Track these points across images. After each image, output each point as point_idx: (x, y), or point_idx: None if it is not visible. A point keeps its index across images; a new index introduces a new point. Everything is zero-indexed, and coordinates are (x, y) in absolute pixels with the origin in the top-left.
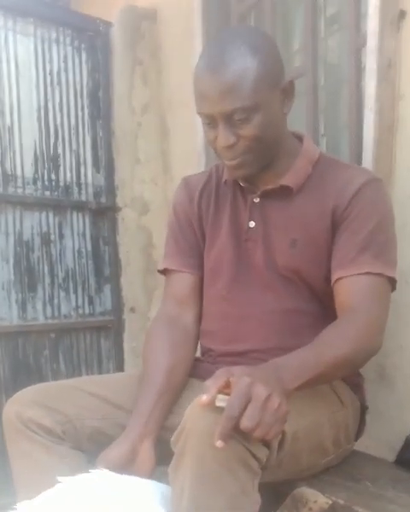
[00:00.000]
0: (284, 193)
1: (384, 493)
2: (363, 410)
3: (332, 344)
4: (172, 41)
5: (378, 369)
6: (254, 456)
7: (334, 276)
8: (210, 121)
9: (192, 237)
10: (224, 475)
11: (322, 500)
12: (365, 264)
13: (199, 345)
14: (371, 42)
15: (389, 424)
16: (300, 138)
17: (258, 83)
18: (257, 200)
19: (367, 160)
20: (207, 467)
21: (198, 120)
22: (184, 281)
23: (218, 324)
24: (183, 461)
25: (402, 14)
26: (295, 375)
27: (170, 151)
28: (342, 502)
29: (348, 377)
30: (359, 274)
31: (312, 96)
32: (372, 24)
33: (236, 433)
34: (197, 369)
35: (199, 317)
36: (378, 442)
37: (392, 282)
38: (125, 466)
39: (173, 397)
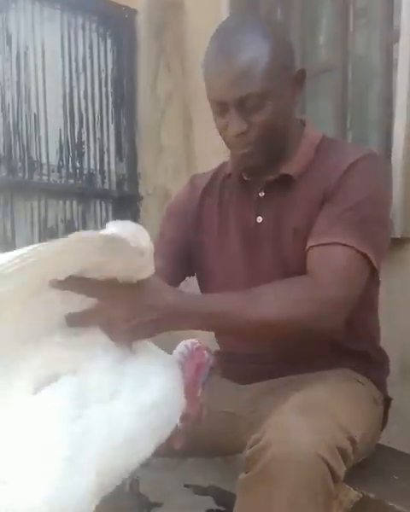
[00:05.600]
0: (287, 182)
1: None
2: (387, 403)
3: (263, 304)
4: (198, 30)
5: (401, 364)
6: (334, 476)
7: (306, 247)
8: (221, 108)
9: (180, 236)
10: (305, 503)
11: (353, 494)
12: (335, 235)
13: (218, 346)
14: (405, 39)
15: None
16: (303, 123)
17: (271, 69)
18: (262, 193)
19: (397, 156)
20: (294, 492)
21: None
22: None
23: (234, 340)
24: (263, 480)
25: None
26: (187, 322)
27: (193, 140)
28: (372, 496)
29: (373, 373)
30: (326, 244)
31: (340, 91)
32: (407, 20)
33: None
34: (227, 372)
35: None
36: (401, 437)
37: (368, 262)
38: None
39: None
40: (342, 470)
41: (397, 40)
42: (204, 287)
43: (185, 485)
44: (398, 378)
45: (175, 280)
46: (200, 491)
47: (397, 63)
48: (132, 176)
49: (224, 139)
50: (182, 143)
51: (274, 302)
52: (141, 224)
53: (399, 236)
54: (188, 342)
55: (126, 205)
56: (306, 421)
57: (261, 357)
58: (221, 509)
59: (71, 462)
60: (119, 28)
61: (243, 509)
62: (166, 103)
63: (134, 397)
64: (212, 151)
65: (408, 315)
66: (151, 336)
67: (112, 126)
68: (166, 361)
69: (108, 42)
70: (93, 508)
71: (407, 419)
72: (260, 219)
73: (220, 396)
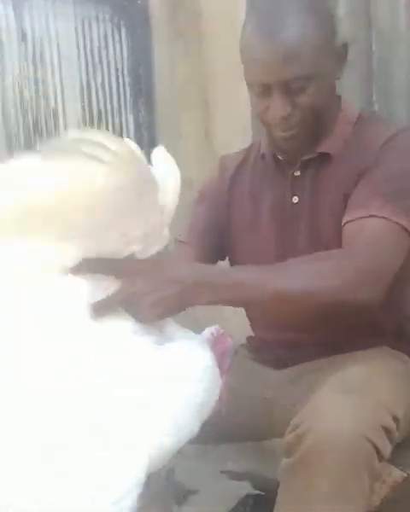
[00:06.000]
0: (324, 160)
1: None
2: None
3: (290, 274)
4: (215, 10)
5: None
6: (379, 454)
7: (342, 223)
8: (263, 90)
9: (212, 221)
10: (352, 483)
11: (396, 473)
12: (372, 207)
13: (252, 331)
14: None
15: None
16: (339, 98)
17: (319, 48)
18: (297, 172)
19: None
20: (339, 474)
21: (243, 92)
22: (185, 252)
23: (265, 313)
24: (307, 465)
25: None
26: (211, 293)
27: (213, 126)
28: None
29: (407, 348)
30: (362, 217)
31: (365, 62)
32: None
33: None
34: (261, 357)
35: None
36: None
37: (406, 232)
38: None
39: None
40: (387, 449)
41: None
42: None
43: (222, 472)
44: None
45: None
46: (236, 476)
47: None
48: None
49: (263, 121)
50: (202, 130)
51: (302, 273)
52: None
53: None
54: (213, 329)
55: None
56: (347, 402)
57: (295, 342)
58: (260, 493)
59: (125, 442)
60: (132, 16)
61: (288, 495)
62: (185, 88)
63: (178, 375)
64: (233, 136)
65: None
66: (177, 312)
67: (131, 117)
68: (200, 340)
69: (123, 31)
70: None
71: None
72: (295, 199)
73: (254, 381)
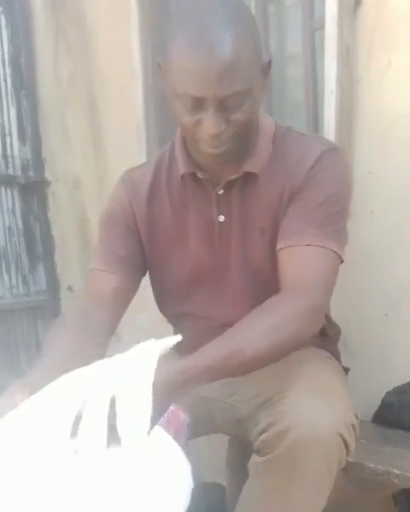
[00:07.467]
0: (249, 179)
1: (383, 449)
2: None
3: (252, 336)
4: (98, 7)
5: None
6: (348, 450)
7: (277, 248)
8: (195, 104)
9: (133, 244)
10: (326, 479)
11: None
12: (307, 235)
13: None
14: (330, 27)
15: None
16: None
17: (253, 63)
18: (221, 191)
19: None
20: (316, 471)
21: (132, 93)
22: (109, 281)
23: (200, 339)
24: (285, 462)
25: (358, 3)
26: (187, 388)
27: (101, 124)
28: (351, 459)
29: (331, 347)
30: (298, 246)
31: None
32: (331, 10)
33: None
34: None
35: (117, 318)
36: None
37: (338, 257)
38: None
39: None
40: (353, 445)
41: (321, 28)
42: (165, 290)
43: None
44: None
45: (133, 288)
46: None
47: (324, 51)
48: (38, 160)
49: (192, 136)
50: (88, 126)
51: (262, 331)
52: (50, 210)
53: None
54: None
55: (33, 191)
56: (323, 402)
57: None
58: None
59: None
60: (12, 5)
61: (263, 491)
62: (69, 85)
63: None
64: (119, 133)
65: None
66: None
67: (12, 109)
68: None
69: (2, 19)
70: None
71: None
72: (222, 218)
73: None
